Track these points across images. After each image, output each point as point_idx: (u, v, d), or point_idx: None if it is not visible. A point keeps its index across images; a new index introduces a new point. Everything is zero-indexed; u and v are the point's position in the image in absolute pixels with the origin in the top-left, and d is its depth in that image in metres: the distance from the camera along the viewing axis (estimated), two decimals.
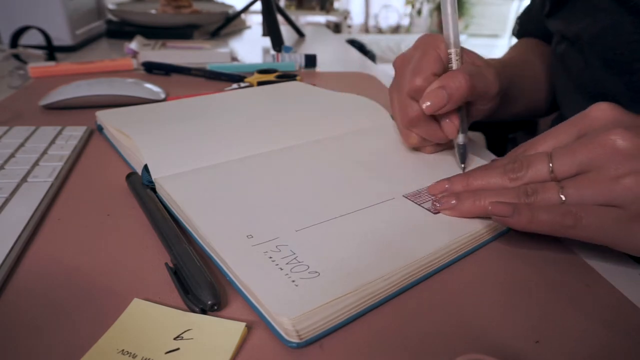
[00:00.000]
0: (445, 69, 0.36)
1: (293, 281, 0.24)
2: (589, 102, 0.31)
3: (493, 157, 0.44)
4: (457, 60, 0.36)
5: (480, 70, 0.36)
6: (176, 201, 0.31)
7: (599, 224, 0.26)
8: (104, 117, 0.46)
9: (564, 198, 0.27)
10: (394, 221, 0.30)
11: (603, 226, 0.26)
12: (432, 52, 0.36)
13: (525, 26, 0.65)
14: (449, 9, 0.35)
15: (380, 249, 0.27)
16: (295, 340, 0.22)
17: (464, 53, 0.37)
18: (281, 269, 0.25)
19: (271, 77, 0.66)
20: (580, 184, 0.27)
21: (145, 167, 0.35)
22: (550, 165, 0.29)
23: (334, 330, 0.23)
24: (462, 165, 0.37)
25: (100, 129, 0.47)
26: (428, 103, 0.34)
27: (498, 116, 0.47)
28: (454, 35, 0.36)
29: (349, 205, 0.32)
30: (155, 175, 0.34)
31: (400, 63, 0.39)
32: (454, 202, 0.31)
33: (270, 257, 0.26)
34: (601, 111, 0.29)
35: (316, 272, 0.25)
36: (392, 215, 0.31)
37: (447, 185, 0.33)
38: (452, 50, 0.36)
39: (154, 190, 0.34)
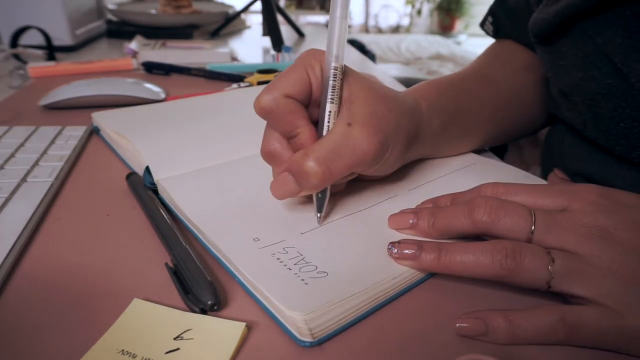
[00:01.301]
0: (313, 92, 0.29)
1: (302, 280, 0.24)
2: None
3: (494, 157, 0.44)
4: (333, 88, 0.28)
5: (348, 137, 0.28)
6: (180, 204, 0.31)
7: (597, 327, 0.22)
8: (100, 118, 0.46)
9: (551, 270, 0.23)
10: None
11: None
12: (296, 70, 0.28)
13: (503, 24, 0.50)
14: (337, 11, 0.27)
15: (386, 248, 0.27)
16: (308, 339, 0.22)
17: (347, 85, 0.29)
18: (290, 269, 0.25)
19: (271, 77, 0.66)
20: (574, 265, 0.23)
21: (147, 169, 0.35)
22: (533, 227, 0.24)
23: (345, 329, 0.23)
24: (318, 215, 0.30)
25: (97, 130, 0.47)
26: (276, 190, 0.29)
27: (448, 154, 0.40)
28: (338, 47, 0.28)
29: (352, 205, 0.32)
30: (157, 176, 0.34)
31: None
32: (415, 250, 0.25)
33: (279, 259, 0.26)
34: (587, 193, 0.26)
35: (325, 272, 0.25)
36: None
37: (411, 221, 0.28)
38: (331, 65, 0.28)
39: (155, 192, 0.34)
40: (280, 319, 0.23)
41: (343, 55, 0.28)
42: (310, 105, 0.30)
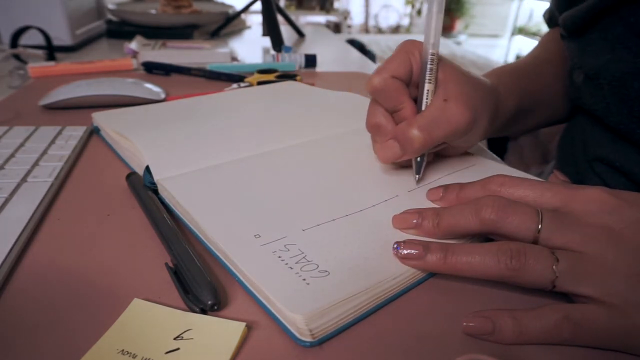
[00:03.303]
0: (413, 75, 0.34)
1: (304, 279, 0.24)
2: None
3: (495, 157, 0.44)
4: (431, 70, 0.33)
5: (445, 110, 0.32)
6: (180, 202, 0.31)
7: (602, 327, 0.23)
8: (100, 118, 0.46)
9: (555, 269, 0.23)
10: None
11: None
12: (400, 56, 0.33)
13: (553, 13, 0.54)
14: (434, 7, 0.33)
15: (387, 248, 0.27)
16: (308, 339, 0.22)
17: (442, 69, 0.34)
18: (291, 268, 0.25)
19: (271, 77, 0.66)
20: (578, 265, 0.23)
21: (147, 169, 0.35)
22: (540, 226, 0.25)
23: (345, 329, 0.23)
24: (417, 177, 0.34)
25: (97, 130, 0.47)
26: (382, 154, 0.33)
27: (514, 131, 0.45)
28: (435, 36, 0.33)
29: (353, 204, 0.32)
30: (157, 176, 0.34)
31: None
32: (421, 250, 0.26)
33: (280, 257, 0.26)
34: (592, 191, 0.26)
35: (326, 271, 0.25)
36: (397, 213, 0.31)
37: (415, 221, 0.28)
38: (429, 51, 0.33)
39: (155, 192, 0.34)
40: (281, 318, 0.23)
41: (439, 43, 0.33)
42: (410, 85, 0.34)
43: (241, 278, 0.26)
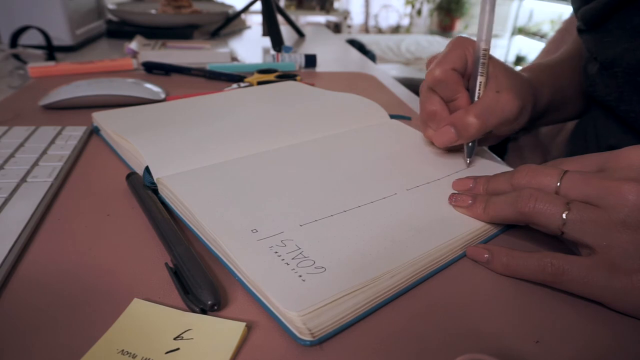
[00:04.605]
0: (467, 68, 0.37)
1: (300, 276, 0.24)
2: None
3: (494, 157, 0.44)
4: (483, 64, 0.36)
5: (498, 100, 0.36)
6: (179, 198, 0.31)
7: (582, 275, 0.25)
8: (100, 118, 0.46)
9: (564, 218, 0.25)
10: (396, 217, 0.30)
11: (588, 277, 0.24)
12: (457, 50, 0.37)
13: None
14: (487, 6, 0.36)
15: (384, 245, 0.27)
16: (308, 338, 0.22)
17: (491, 64, 0.37)
18: (287, 264, 0.25)
19: (271, 77, 0.66)
20: (586, 215, 0.25)
21: (147, 169, 0.35)
22: (559, 184, 0.27)
23: (345, 328, 0.23)
24: (468, 160, 0.38)
25: (97, 130, 0.47)
26: (436, 141, 0.37)
27: (544, 124, 0.47)
28: (487, 33, 0.36)
29: (351, 201, 0.32)
30: (156, 175, 0.34)
31: (430, 61, 0.40)
32: (470, 202, 0.31)
33: (276, 252, 0.26)
34: (634, 154, 0.26)
35: (322, 267, 0.25)
36: (395, 211, 0.31)
37: (471, 185, 0.34)
38: (482, 47, 0.36)
39: (155, 191, 0.34)
40: (280, 317, 0.23)
41: (490, 39, 0.36)
42: (463, 77, 0.38)
43: (240, 277, 0.26)
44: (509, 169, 0.38)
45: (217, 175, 0.34)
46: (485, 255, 0.28)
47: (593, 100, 0.50)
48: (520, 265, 0.27)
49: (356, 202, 0.32)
